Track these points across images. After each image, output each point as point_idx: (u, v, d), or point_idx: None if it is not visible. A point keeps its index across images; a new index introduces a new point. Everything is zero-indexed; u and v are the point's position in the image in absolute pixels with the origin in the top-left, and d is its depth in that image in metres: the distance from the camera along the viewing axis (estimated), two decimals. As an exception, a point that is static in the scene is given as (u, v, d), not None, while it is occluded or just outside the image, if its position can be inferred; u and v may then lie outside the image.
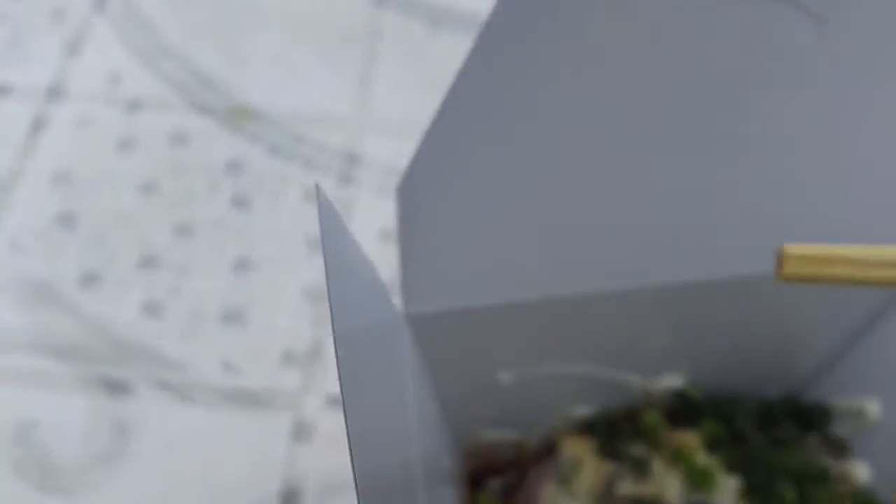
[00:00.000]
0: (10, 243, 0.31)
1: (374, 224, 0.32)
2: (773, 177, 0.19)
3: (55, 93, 0.36)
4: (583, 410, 0.23)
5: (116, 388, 0.28)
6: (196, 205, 0.33)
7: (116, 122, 0.35)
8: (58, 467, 0.27)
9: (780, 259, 0.13)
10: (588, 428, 0.23)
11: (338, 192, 0.33)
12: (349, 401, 0.11)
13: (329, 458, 0.27)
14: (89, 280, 0.31)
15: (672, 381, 0.22)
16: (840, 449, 0.22)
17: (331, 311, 0.12)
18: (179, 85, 0.37)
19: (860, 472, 0.22)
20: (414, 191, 0.16)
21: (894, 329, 0.21)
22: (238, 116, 0.36)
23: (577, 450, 0.23)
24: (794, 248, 0.13)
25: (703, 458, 0.21)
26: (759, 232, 0.19)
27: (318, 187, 0.11)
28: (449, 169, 0.16)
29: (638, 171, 0.18)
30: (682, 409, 0.23)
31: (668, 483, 0.21)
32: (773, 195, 0.19)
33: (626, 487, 0.21)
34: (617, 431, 0.22)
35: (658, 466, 0.21)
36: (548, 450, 0.23)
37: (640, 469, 0.21)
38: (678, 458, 0.21)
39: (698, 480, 0.20)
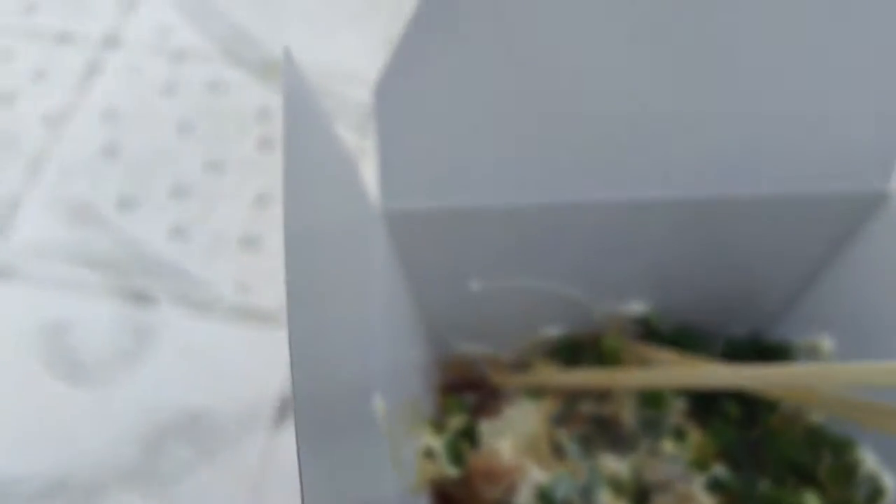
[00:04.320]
0: (59, 169, 0.35)
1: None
2: (745, 102, 0.20)
3: (110, 42, 0.40)
4: (553, 331, 0.24)
5: (141, 298, 0.31)
6: (226, 145, 0.36)
7: (162, 71, 0.39)
8: (84, 363, 0.30)
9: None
10: (558, 351, 0.25)
11: (358, 142, 0.36)
12: (294, 313, 0.11)
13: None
14: (126, 204, 0.34)
15: (636, 307, 0.24)
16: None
17: (284, 204, 0.12)
18: (220, 40, 0.40)
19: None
20: (392, 92, 0.18)
21: (850, 266, 0.22)
22: (270, 70, 0.38)
23: (550, 373, 0.24)
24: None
25: (657, 379, 0.22)
26: (731, 155, 0.21)
27: (286, 51, 0.13)
28: (428, 70, 0.18)
29: (624, 82, 0.19)
30: (647, 338, 0.24)
31: (625, 403, 0.22)
32: (746, 121, 0.20)
33: (587, 407, 0.23)
34: (581, 355, 0.24)
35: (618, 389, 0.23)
36: (521, 369, 0.25)
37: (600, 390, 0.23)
38: (635, 379, 0.22)
39: (650, 401, 0.22)
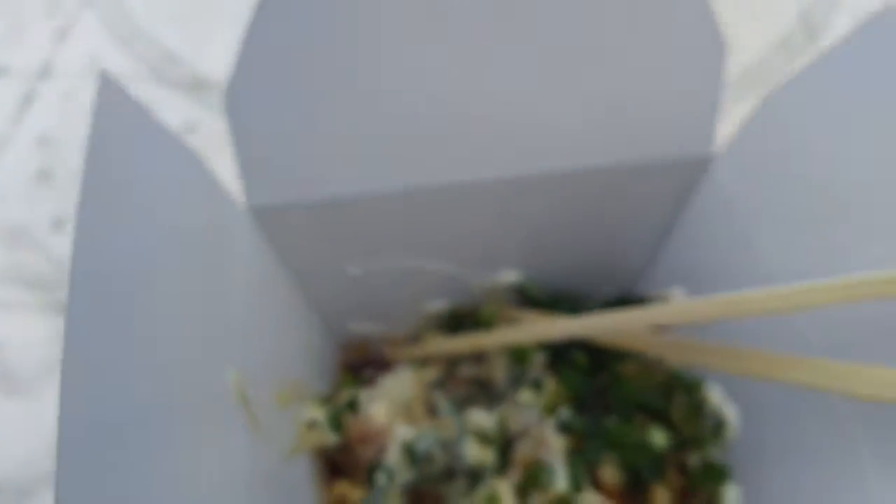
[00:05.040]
0: (-4, 195, 0.37)
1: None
2: (583, 83, 0.22)
3: (44, 72, 0.42)
4: (438, 306, 0.26)
5: (73, 309, 0.33)
6: (153, 161, 0.38)
7: (94, 96, 0.41)
8: (18, 376, 0.32)
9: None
10: (443, 324, 0.26)
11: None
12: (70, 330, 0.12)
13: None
14: (60, 225, 0.36)
15: (509, 276, 0.25)
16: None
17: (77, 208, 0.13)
18: (149, 62, 0.42)
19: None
20: (243, 94, 0.20)
21: (691, 223, 0.24)
22: (197, 87, 0.40)
23: (433, 343, 0.26)
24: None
25: (525, 340, 0.24)
26: (578, 132, 0.22)
27: (103, 73, 0.15)
28: (275, 70, 0.19)
29: (471, 72, 0.21)
30: (524, 304, 0.26)
31: (498, 363, 0.24)
32: (587, 101, 0.22)
33: (466, 370, 0.25)
34: (463, 324, 0.26)
35: (492, 351, 0.24)
36: (414, 343, 0.27)
37: (477, 354, 0.25)
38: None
39: (517, 358, 0.23)
